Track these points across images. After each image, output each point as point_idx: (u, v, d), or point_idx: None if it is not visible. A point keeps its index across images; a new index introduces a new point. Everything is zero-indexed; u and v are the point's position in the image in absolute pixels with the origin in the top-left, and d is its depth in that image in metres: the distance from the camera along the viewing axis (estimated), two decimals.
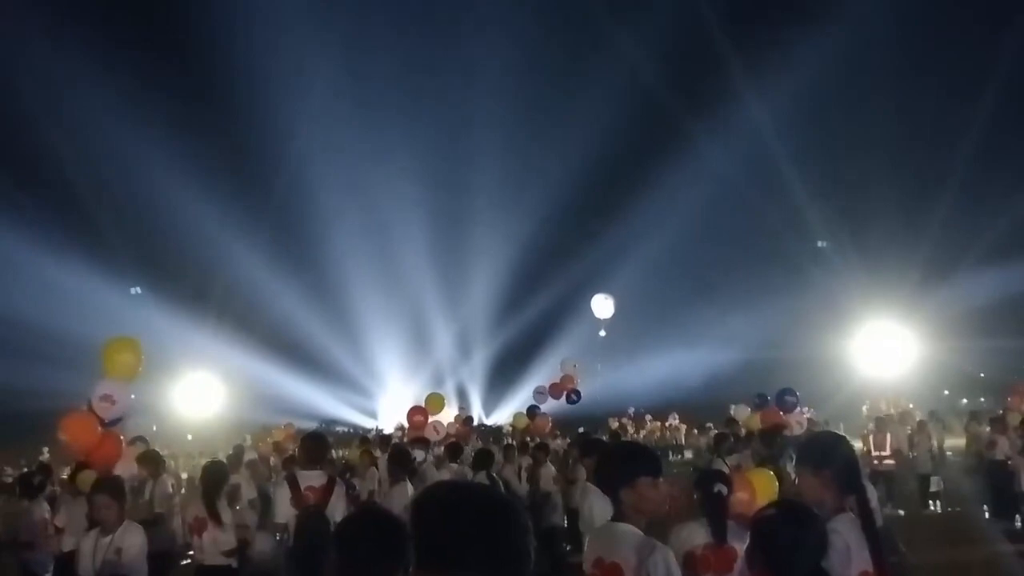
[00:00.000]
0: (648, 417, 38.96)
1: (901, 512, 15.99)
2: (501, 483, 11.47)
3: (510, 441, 18.44)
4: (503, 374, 44.44)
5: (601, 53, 47.27)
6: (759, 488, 5.60)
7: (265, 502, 10.70)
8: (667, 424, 38.93)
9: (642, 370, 44.10)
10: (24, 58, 39.16)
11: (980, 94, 40.10)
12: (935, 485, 17.22)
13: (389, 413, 36.82)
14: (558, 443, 19.38)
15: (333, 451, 18.31)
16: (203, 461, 13.21)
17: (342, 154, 45.81)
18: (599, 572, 3.74)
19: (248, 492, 11.49)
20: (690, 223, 46.26)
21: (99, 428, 9.68)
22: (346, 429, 40.81)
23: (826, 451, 3.95)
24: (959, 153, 39.94)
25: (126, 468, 10.02)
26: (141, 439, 12.97)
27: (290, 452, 14.85)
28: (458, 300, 46.97)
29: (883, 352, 27.24)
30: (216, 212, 39.63)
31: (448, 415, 23.48)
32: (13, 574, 10.17)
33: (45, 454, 22.80)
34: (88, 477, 8.94)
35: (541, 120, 48.01)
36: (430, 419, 17.06)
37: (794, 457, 5.76)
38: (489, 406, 44.09)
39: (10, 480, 16.67)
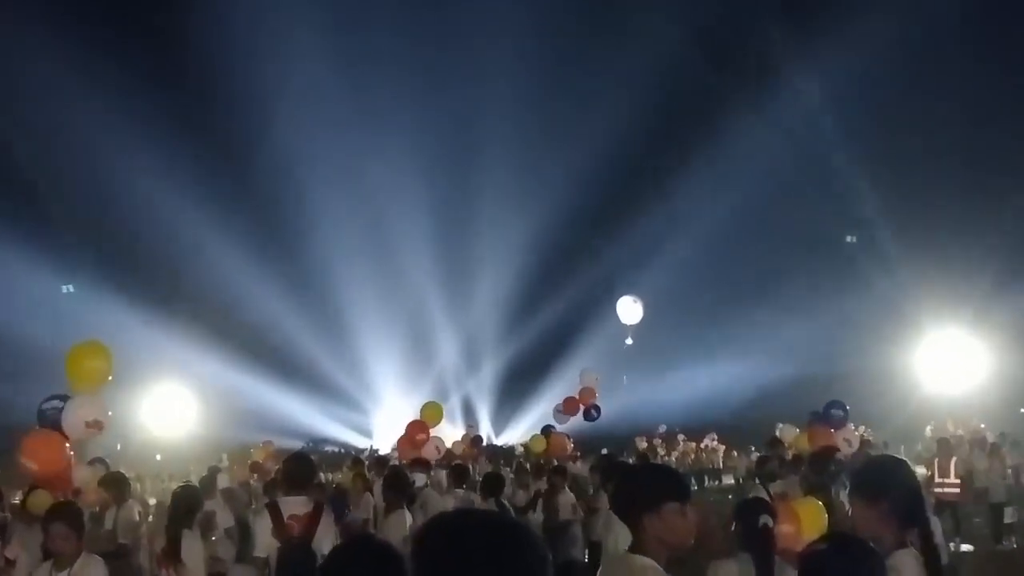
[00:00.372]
0: (681, 437, 38.91)
1: (970, 547, 15.93)
2: (512, 511, 11.46)
3: (523, 463, 18.36)
4: (515, 388, 44.53)
5: (627, 28, 47.19)
6: (805, 519, 5.59)
7: (244, 531, 10.70)
8: (703, 445, 38.89)
9: (675, 384, 44.11)
10: None
11: None
12: (1010, 517, 17.15)
13: (385, 431, 36.83)
14: (578, 466, 19.32)
15: (321, 474, 18.40)
16: (173, 485, 13.22)
17: (332, 136, 45.64)
18: None
19: (224, 520, 11.48)
20: (730, 218, 46.19)
21: (69, 452, 9.71)
22: (337, 449, 40.97)
23: (884, 478, 3.95)
24: None
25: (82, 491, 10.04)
26: (100, 460, 12.72)
27: (271, 475, 14.84)
28: (465, 304, 46.99)
29: (950, 365, 27.13)
30: (188, 200, 39.73)
31: (454, 434, 23.50)
32: None
33: None
34: (42, 500, 8.93)
35: (560, 102, 47.83)
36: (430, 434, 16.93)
37: (848, 485, 5.74)
38: (499, 424, 44.17)
39: None
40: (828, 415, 14.20)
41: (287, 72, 44.90)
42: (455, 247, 46.28)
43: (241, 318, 43.12)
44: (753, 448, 28.53)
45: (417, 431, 16.68)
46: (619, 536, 6.25)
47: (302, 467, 7.87)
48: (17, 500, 12.06)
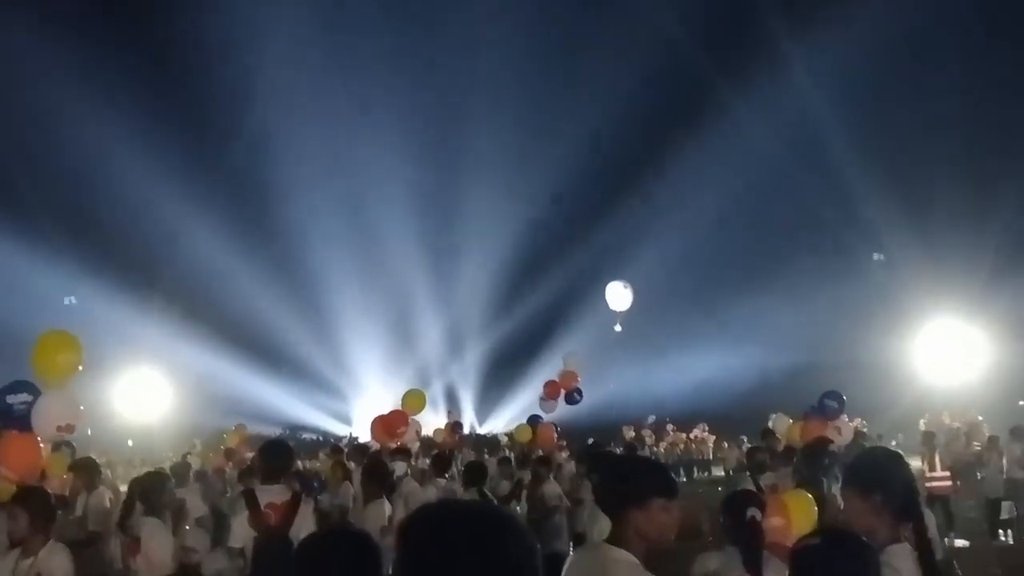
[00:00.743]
0: (670, 427, 39.02)
1: (966, 543, 16.00)
2: (496, 502, 11.46)
3: (507, 453, 18.31)
4: (500, 376, 44.53)
5: (617, 12, 47.12)
6: (795, 512, 5.59)
7: (219, 520, 10.69)
8: (692, 436, 39.00)
9: (666, 373, 44.22)
10: None
11: None
12: (1007, 512, 17.18)
13: (365, 419, 36.79)
14: (563, 456, 19.28)
15: (299, 462, 18.36)
16: (145, 471, 13.16)
17: (312, 118, 45.50)
18: None
19: (196, 509, 11.45)
20: (723, 204, 46.31)
21: (42, 452, 9.60)
22: (315, 437, 40.96)
23: (877, 471, 3.95)
24: None
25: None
26: (67, 444, 12.59)
27: (247, 462, 14.81)
28: (449, 289, 46.96)
29: (947, 356, 27.24)
30: (162, 177, 39.56)
31: (436, 421, 23.45)
32: None
33: None
34: (4, 488, 8.88)
35: (550, 80, 47.78)
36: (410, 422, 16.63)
37: (840, 477, 5.75)
38: (483, 412, 44.19)
39: None
40: (823, 406, 14.24)
41: (267, 54, 44.57)
42: (439, 230, 46.32)
43: (217, 302, 42.96)
44: (745, 439, 28.56)
45: (398, 423, 15.75)
46: (604, 528, 6.26)
47: (280, 453, 7.84)
48: None
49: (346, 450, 17.83)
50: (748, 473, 11.52)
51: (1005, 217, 38.90)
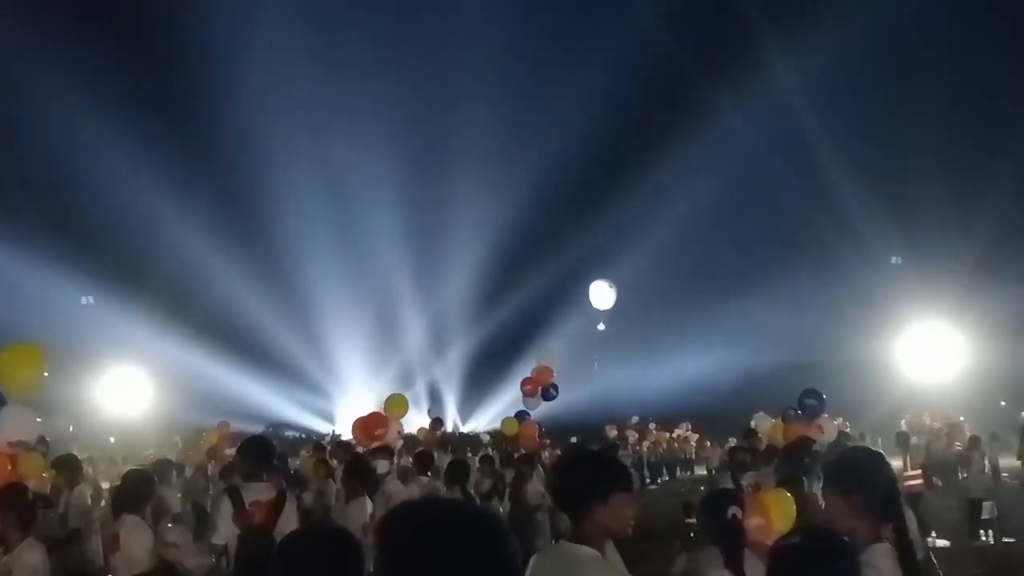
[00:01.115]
0: (653, 426, 39.05)
1: (946, 543, 16.06)
2: (479, 500, 11.47)
3: (489, 452, 18.30)
4: (483, 374, 44.43)
5: (604, 11, 47.28)
6: (775, 511, 5.61)
7: (201, 517, 10.65)
8: (675, 435, 39.06)
9: (650, 372, 44.25)
10: None
11: None
12: (987, 512, 17.26)
13: (348, 416, 36.69)
14: (547, 454, 19.29)
15: (291, 460, 18.28)
16: (127, 468, 13.10)
17: (296, 114, 45.52)
18: None
19: (176, 505, 11.42)
20: (709, 202, 46.38)
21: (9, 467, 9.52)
22: (297, 434, 40.80)
23: (858, 471, 3.97)
24: (1017, 137, 40.09)
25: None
26: (41, 440, 12.18)
27: (228, 459, 14.74)
28: (433, 287, 46.85)
29: (930, 357, 27.37)
30: (145, 174, 39.40)
31: (419, 421, 23.38)
32: None
33: None
34: None
35: (534, 77, 47.85)
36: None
37: (822, 477, 5.77)
38: (466, 411, 44.13)
39: None
40: (803, 405, 14.25)
41: (251, 50, 44.37)
42: (423, 229, 46.18)
43: (200, 298, 42.86)
44: (730, 439, 28.62)
45: (378, 424, 15.42)
46: None
47: (262, 450, 7.82)
48: None
49: (329, 448, 17.79)
50: (728, 471, 11.56)
51: (988, 221, 39.11)
